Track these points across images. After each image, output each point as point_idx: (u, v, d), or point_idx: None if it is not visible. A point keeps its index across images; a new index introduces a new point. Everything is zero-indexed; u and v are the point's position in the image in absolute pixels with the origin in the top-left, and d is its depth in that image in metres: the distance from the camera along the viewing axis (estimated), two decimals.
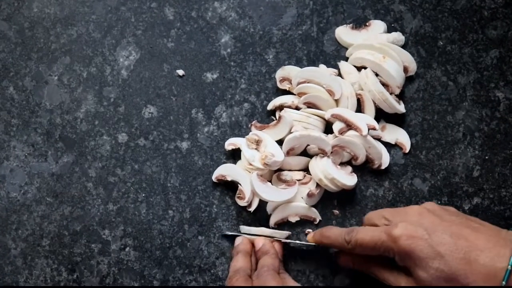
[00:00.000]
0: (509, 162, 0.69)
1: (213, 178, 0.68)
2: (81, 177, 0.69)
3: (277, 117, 0.67)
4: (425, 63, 0.70)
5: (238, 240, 0.66)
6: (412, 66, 0.69)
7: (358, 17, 0.71)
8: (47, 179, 0.68)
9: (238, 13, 0.71)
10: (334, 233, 0.62)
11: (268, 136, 0.67)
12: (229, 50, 0.71)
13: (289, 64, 0.70)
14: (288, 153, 0.66)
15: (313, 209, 0.67)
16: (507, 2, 0.71)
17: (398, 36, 0.69)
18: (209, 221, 0.68)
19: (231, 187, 0.68)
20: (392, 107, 0.67)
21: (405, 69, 0.69)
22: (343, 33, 0.70)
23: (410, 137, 0.69)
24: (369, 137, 0.66)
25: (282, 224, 0.68)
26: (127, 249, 0.68)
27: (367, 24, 0.70)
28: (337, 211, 0.68)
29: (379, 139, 0.68)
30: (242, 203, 0.67)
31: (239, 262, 0.64)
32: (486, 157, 0.69)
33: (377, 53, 0.67)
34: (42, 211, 0.68)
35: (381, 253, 0.58)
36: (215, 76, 0.70)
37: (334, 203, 0.69)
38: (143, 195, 0.68)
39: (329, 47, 0.71)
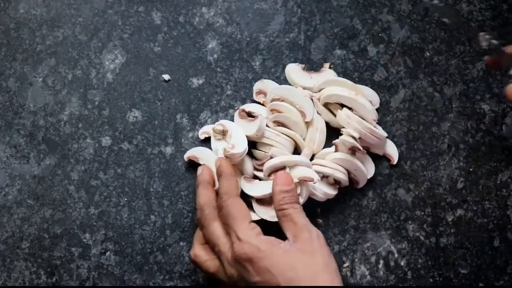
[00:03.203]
0: (493, 175, 0.69)
1: (185, 157, 0.68)
2: (63, 180, 0.68)
3: (256, 116, 0.67)
4: (412, 73, 0.70)
5: (198, 171, 0.65)
6: (375, 99, 0.69)
7: (345, 26, 0.71)
8: (29, 181, 0.68)
9: (225, 19, 0.71)
10: None
11: (237, 127, 0.67)
12: (215, 56, 0.70)
13: (276, 71, 0.70)
14: (269, 176, 0.66)
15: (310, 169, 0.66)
16: (494, 14, 0.71)
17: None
18: (191, 227, 0.68)
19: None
20: (380, 136, 0.66)
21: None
22: (293, 71, 0.70)
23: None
24: (355, 161, 0.66)
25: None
26: (107, 253, 0.67)
27: (319, 70, 0.70)
28: (320, 220, 0.68)
29: (367, 150, 0.68)
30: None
31: (201, 196, 0.63)
32: (471, 169, 0.69)
33: (349, 89, 0.67)
34: (22, 213, 0.67)
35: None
36: (201, 81, 0.70)
37: (317, 212, 0.68)
38: (125, 199, 0.68)
39: (316, 56, 0.71)
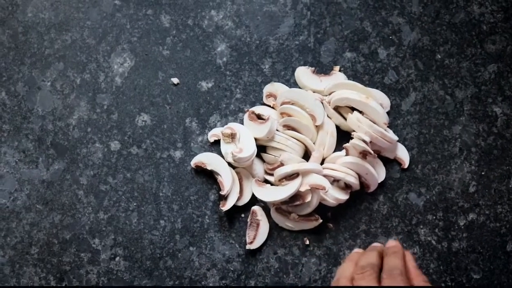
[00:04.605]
0: (506, 178, 0.68)
1: (192, 163, 0.68)
2: (72, 184, 0.68)
3: (267, 117, 0.66)
4: (423, 76, 0.70)
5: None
6: (386, 103, 0.69)
7: (355, 29, 0.70)
8: (38, 186, 0.68)
9: (234, 22, 0.70)
10: None
11: (247, 130, 0.67)
12: (225, 59, 0.70)
13: (286, 74, 0.70)
14: (280, 181, 0.65)
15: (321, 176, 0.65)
16: (506, 16, 0.70)
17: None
18: (201, 232, 0.67)
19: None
20: (391, 140, 0.66)
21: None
22: (303, 74, 0.69)
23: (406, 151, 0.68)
24: (366, 165, 0.65)
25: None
26: (117, 258, 0.67)
27: (329, 73, 0.69)
28: (331, 225, 0.68)
29: (378, 154, 0.67)
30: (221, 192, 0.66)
31: (370, 257, 0.59)
32: (483, 173, 0.68)
33: (359, 93, 0.67)
34: (31, 219, 0.67)
35: None
36: (210, 85, 0.70)
37: (328, 216, 0.68)
38: (135, 204, 0.67)
39: (326, 58, 0.70)
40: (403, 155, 0.68)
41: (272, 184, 0.67)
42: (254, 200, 0.67)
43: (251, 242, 0.66)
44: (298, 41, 0.70)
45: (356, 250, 0.65)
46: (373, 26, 0.71)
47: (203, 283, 0.66)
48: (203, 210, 0.68)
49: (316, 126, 0.67)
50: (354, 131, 0.66)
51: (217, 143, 0.68)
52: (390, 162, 0.68)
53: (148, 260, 0.67)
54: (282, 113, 0.67)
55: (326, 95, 0.68)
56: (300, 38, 0.70)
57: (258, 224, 0.67)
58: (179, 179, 0.68)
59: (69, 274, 0.66)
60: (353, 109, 0.67)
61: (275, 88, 0.69)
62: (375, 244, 0.65)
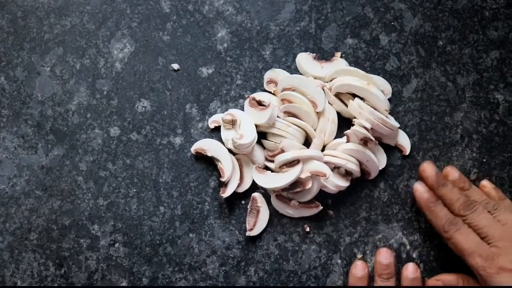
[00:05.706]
0: (507, 166, 0.68)
1: (192, 150, 0.67)
2: (72, 170, 0.67)
3: (267, 104, 0.66)
4: (424, 63, 0.69)
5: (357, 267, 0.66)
6: (387, 89, 0.68)
7: (357, 15, 0.70)
8: (37, 171, 0.67)
9: (235, 7, 0.70)
10: (440, 213, 0.62)
11: (248, 116, 0.66)
12: (225, 45, 0.69)
13: (287, 60, 0.69)
14: (281, 168, 0.65)
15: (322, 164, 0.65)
16: (509, 2, 0.70)
17: None
18: (200, 219, 0.67)
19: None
20: (392, 127, 0.65)
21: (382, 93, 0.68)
22: (304, 60, 0.69)
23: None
24: (367, 151, 0.65)
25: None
26: (116, 245, 0.66)
27: (331, 59, 0.69)
28: (331, 212, 0.67)
29: (379, 141, 0.67)
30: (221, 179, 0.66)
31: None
32: (484, 160, 0.68)
33: (360, 79, 0.66)
34: (30, 204, 0.67)
35: (469, 266, 0.60)
36: (210, 71, 0.69)
37: (328, 203, 0.67)
38: (134, 190, 0.67)
39: (327, 44, 0.70)
40: (404, 142, 0.68)
41: (272, 171, 0.66)
42: (254, 187, 0.67)
43: (251, 229, 0.66)
44: (299, 27, 0.70)
45: (359, 271, 0.66)
46: (374, 12, 0.70)
47: (202, 269, 0.66)
48: (203, 197, 0.67)
49: (317, 112, 0.67)
50: (355, 117, 0.65)
51: (217, 129, 0.68)
52: (391, 149, 0.68)
53: (148, 246, 0.66)
54: (283, 100, 0.67)
55: (327, 82, 0.68)
56: (301, 24, 0.70)
57: (258, 211, 0.67)
58: (179, 166, 0.68)
59: (68, 260, 0.66)
60: (354, 95, 0.67)
61: (276, 74, 0.68)
62: (388, 260, 0.65)
